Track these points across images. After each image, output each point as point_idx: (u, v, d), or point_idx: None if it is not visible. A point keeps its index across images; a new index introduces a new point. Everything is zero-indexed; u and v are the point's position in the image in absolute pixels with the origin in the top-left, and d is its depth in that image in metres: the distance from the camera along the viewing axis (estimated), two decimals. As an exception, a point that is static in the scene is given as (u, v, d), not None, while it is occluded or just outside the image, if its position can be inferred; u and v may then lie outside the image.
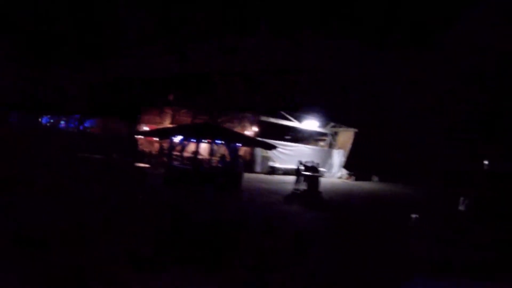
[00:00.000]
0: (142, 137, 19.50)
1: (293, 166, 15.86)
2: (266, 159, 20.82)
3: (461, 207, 10.40)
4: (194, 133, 12.17)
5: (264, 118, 21.60)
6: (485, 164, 16.65)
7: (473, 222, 10.16)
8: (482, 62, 16.28)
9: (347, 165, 24.17)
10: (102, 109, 20.78)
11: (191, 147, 15.06)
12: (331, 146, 25.55)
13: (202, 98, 21.94)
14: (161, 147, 19.62)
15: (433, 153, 22.30)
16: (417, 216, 8.84)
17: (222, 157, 14.13)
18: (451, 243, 7.92)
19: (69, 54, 18.40)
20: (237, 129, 20.93)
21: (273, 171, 20.78)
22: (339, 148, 25.13)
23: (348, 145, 24.69)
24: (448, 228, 9.43)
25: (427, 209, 12.32)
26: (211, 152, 15.78)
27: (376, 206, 13.71)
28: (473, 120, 20.42)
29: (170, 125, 20.92)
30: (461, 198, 10.52)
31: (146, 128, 20.58)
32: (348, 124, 24.09)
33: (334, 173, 24.28)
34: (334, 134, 25.76)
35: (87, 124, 21.25)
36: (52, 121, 21.44)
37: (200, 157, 15.29)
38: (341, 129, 25.31)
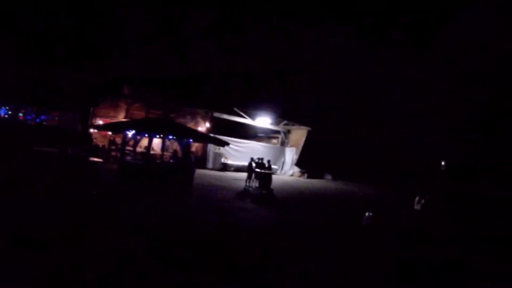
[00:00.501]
0: (95, 130, 19.02)
1: (245, 163, 15.70)
2: (218, 155, 20.68)
3: (417, 207, 10.41)
4: (147, 128, 12.04)
5: (217, 114, 21.46)
6: (442, 165, 16.62)
7: (429, 220, 10.20)
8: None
9: (299, 163, 24.19)
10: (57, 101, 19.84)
11: (144, 142, 14.90)
12: (283, 144, 25.56)
13: (155, 93, 21.54)
14: (112, 141, 19.32)
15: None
16: (371, 214, 8.83)
17: (174, 152, 14.04)
18: (408, 242, 7.95)
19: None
20: (190, 125, 20.73)
21: (225, 167, 20.63)
22: (292, 146, 25.17)
23: (301, 143, 24.71)
24: (404, 227, 9.47)
25: (381, 208, 12.29)
26: (164, 148, 15.68)
27: (329, 203, 13.56)
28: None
29: (124, 119, 20.56)
30: (417, 197, 10.55)
31: (100, 122, 20.12)
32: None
33: (286, 171, 24.33)
34: (287, 132, 25.79)
35: (43, 117, 20.58)
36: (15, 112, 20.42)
37: (152, 152, 15.15)
38: (294, 127, 25.32)
